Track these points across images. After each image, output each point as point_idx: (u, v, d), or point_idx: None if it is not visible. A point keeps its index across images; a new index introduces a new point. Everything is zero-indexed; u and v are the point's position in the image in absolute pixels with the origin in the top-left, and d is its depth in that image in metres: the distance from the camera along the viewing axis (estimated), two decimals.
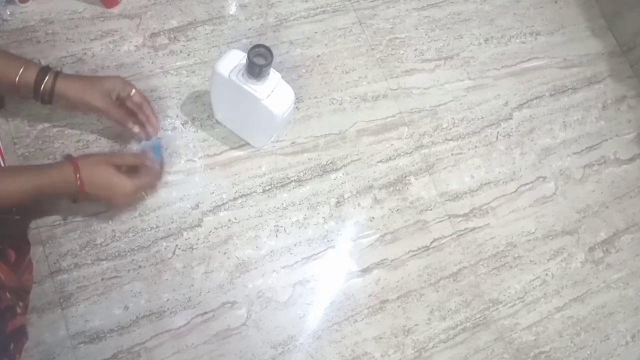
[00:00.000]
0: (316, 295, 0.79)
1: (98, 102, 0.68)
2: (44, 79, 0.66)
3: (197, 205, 0.78)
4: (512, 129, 0.98)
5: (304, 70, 0.90)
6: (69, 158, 0.66)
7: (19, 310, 0.62)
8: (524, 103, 1.01)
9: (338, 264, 0.82)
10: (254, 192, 0.81)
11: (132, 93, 0.72)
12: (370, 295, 0.82)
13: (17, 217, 0.67)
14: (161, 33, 0.85)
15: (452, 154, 0.93)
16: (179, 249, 0.76)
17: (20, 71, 0.64)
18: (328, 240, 0.82)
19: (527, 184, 0.96)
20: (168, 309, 0.73)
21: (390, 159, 0.89)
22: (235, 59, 0.66)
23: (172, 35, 0.85)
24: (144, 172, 0.71)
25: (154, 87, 0.81)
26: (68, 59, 0.79)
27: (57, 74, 0.67)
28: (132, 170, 0.70)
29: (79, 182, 0.64)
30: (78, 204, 0.69)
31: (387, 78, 0.94)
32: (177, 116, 0.81)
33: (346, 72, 0.92)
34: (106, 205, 0.73)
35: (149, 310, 0.72)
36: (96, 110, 0.70)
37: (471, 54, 1.00)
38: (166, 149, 0.79)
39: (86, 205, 0.72)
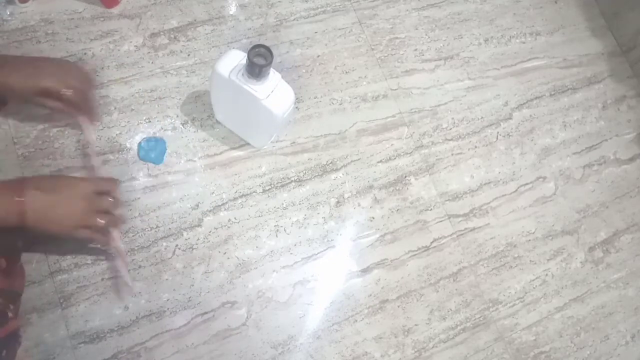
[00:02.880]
0: (316, 295, 0.79)
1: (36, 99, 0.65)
2: None
3: (197, 205, 0.78)
4: (512, 129, 0.98)
5: (304, 70, 0.90)
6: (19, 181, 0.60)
7: (10, 315, 0.59)
8: (524, 103, 1.01)
9: (338, 264, 0.82)
10: (254, 192, 0.81)
11: (66, 93, 0.65)
12: (370, 295, 0.82)
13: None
14: (161, 33, 0.85)
15: (452, 154, 0.93)
16: (179, 249, 0.76)
17: None
18: (328, 240, 0.82)
19: (527, 184, 0.96)
20: (168, 309, 0.73)
21: (390, 159, 0.89)
22: (235, 59, 0.66)
23: (172, 35, 0.85)
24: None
25: (154, 87, 0.81)
26: (68, 59, 0.79)
27: None
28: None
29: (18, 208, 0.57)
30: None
31: (387, 78, 0.94)
32: (177, 116, 0.81)
33: (346, 72, 0.92)
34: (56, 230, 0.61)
35: (149, 310, 0.72)
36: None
37: (471, 54, 1.01)
38: (167, 149, 0.79)
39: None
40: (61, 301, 0.70)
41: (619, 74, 1.10)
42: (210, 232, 0.77)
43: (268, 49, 0.60)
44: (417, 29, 0.99)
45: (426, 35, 0.99)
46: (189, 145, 0.80)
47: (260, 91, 0.65)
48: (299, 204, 0.83)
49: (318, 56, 0.91)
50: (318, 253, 0.81)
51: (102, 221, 0.63)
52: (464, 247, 0.88)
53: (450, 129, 0.94)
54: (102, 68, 0.80)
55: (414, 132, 0.92)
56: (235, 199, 0.80)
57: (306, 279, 0.80)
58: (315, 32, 0.92)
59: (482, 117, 0.97)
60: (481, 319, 0.86)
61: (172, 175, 0.78)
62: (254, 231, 0.79)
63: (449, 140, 0.94)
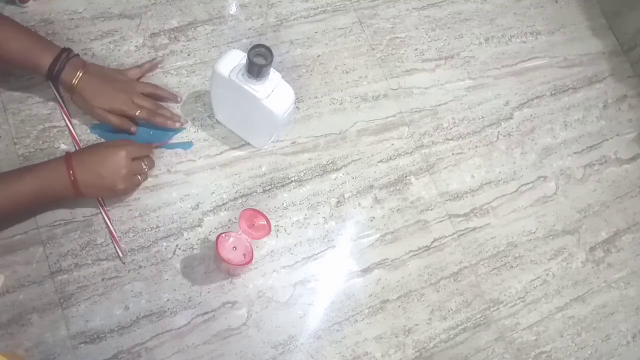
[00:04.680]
0: (316, 295, 0.79)
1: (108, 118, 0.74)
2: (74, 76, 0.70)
3: (198, 205, 0.78)
4: (512, 128, 0.98)
5: (304, 70, 0.89)
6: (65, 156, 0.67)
7: None
8: (525, 102, 1.01)
9: (338, 264, 0.82)
10: (254, 192, 0.81)
11: (137, 113, 0.74)
12: (371, 295, 0.81)
13: None
14: (161, 33, 0.85)
15: (453, 154, 0.93)
16: (179, 249, 0.76)
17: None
18: (328, 240, 0.82)
19: (527, 183, 0.96)
20: (168, 309, 0.73)
21: (390, 158, 0.89)
22: (235, 59, 0.66)
23: (172, 35, 0.85)
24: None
25: None
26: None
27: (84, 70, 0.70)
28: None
29: (72, 178, 0.65)
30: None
31: (388, 78, 0.94)
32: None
33: (346, 72, 0.92)
34: (107, 189, 0.70)
35: (150, 310, 0.72)
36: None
37: (472, 53, 1.00)
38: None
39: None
40: (61, 301, 0.70)
41: (619, 73, 1.10)
42: (210, 232, 0.77)
43: (268, 48, 0.60)
44: (417, 28, 0.99)
45: (426, 34, 0.99)
46: None
47: (261, 91, 0.65)
48: (299, 204, 0.82)
49: (318, 56, 0.91)
50: (318, 253, 0.81)
51: (139, 177, 0.73)
52: (465, 247, 0.88)
53: (451, 128, 0.94)
54: None
55: (414, 132, 0.92)
56: (235, 199, 0.80)
57: (306, 279, 0.79)
58: (316, 32, 0.92)
59: (482, 117, 0.97)
60: (482, 318, 0.86)
61: (172, 175, 0.78)
62: None
63: (450, 140, 0.94)
